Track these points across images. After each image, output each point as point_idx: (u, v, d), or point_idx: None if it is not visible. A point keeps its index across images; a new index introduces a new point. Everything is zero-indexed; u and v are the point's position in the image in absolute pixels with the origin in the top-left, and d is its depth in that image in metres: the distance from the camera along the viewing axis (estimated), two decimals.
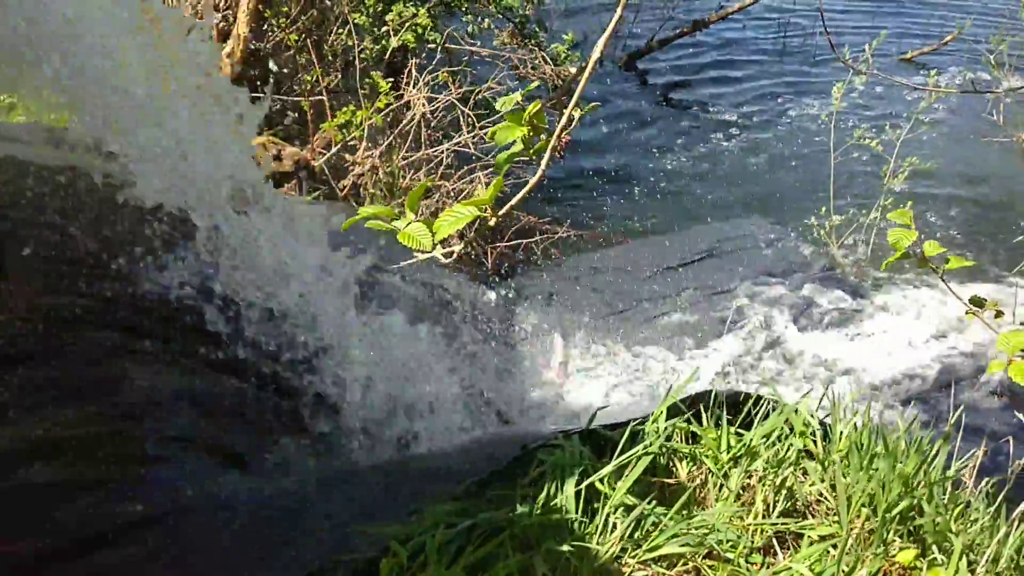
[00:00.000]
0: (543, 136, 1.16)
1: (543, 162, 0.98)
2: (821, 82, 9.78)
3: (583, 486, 2.06)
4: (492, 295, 5.25)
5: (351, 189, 5.61)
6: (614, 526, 1.94)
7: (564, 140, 1.17)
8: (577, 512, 1.98)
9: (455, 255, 0.97)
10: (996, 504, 2.63)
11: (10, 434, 1.90)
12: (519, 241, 5.96)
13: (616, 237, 6.57)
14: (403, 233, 0.96)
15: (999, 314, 1.23)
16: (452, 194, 5.88)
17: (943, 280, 1.31)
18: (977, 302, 1.23)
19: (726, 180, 7.82)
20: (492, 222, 0.99)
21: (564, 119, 1.14)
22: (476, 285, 5.37)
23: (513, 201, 1.00)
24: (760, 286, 5.53)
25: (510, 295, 5.45)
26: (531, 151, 1.14)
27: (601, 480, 2.10)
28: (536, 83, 6.54)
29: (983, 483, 2.78)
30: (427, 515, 1.84)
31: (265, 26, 5.65)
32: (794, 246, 6.16)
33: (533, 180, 0.99)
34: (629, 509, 2.03)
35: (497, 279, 5.66)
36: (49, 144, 3.17)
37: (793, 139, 8.67)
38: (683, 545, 1.95)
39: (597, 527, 1.95)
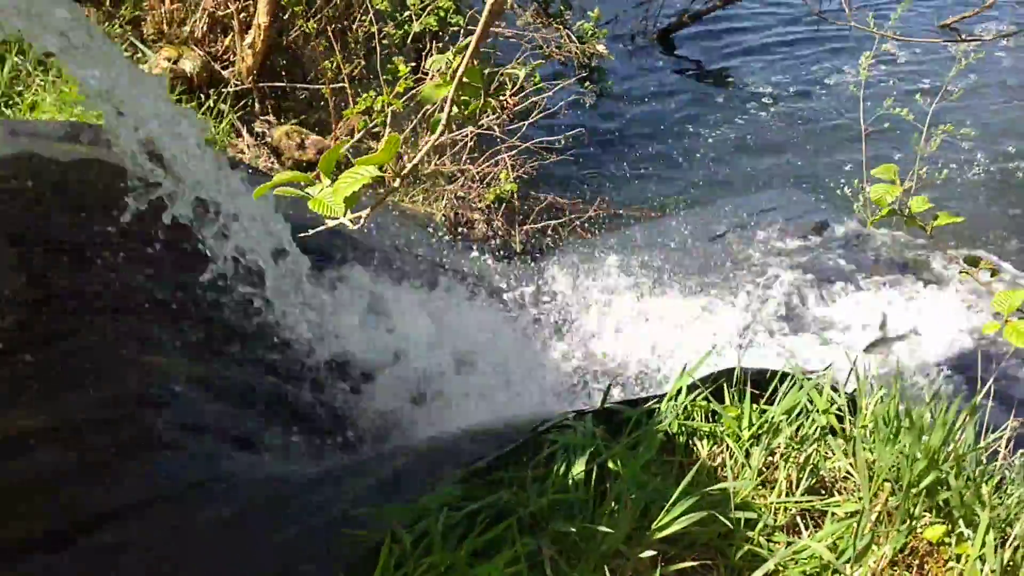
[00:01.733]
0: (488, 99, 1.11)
1: (443, 118, 0.94)
2: (859, 50, 9.54)
3: (593, 466, 2.02)
4: (519, 273, 5.22)
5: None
6: (625, 506, 1.90)
7: (512, 103, 1.13)
8: (587, 493, 1.94)
9: (364, 220, 0.93)
10: None
11: (18, 417, 1.93)
12: (547, 222, 5.91)
13: (649, 213, 6.51)
14: (314, 200, 0.93)
15: (994, 273, 1.16)
16: (477, 177, 5.85)
17: (931, 236, 1.24)
18: (972, 261, 1.17)
19: (760, 151, 7.70)
20: (396, 183, 0.95)
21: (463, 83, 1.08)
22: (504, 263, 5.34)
23: (415, 159, 0.96)
24: (793, 257, 5.43)
25: (539, 272, 5.41)
26: (466, 112, 1.10)
27: (613, 460, 2.06)
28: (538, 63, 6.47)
29: (1018, 454, 2.69)
30: (432, 499, 1.81)
31: (287, 15, 5.65)
32: (827, 217, 6.03)
33: (433, 138, 0.94)
34: (643, 489, 1.99)
35: (526, 258, 5.62)
36: (69, 140, 3.19)
37: (829, 109, 8.49)
38: (696, 524, 1.90)
39: (608, 509, 1.91)
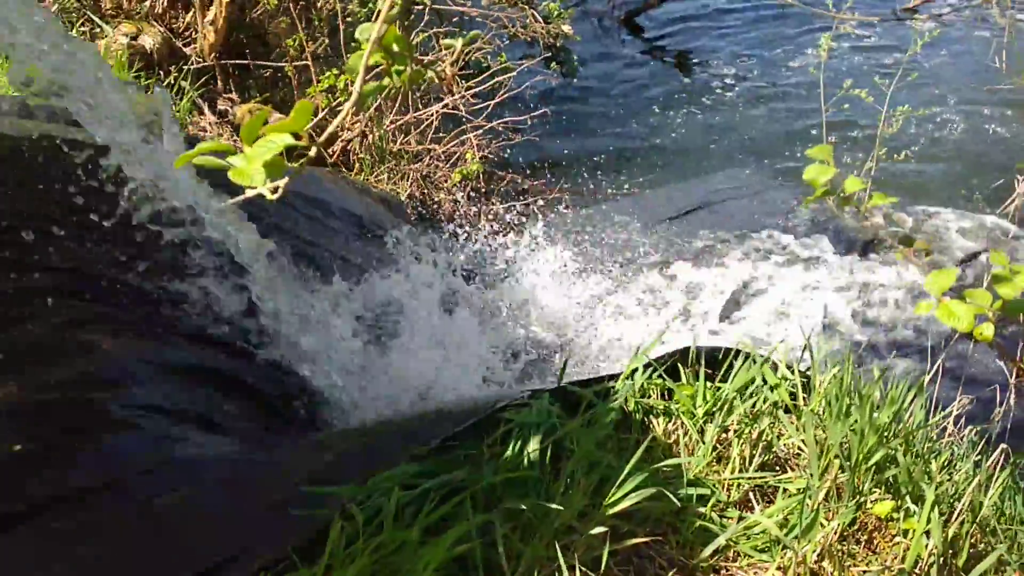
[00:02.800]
0: (415, 66, 1.10)
1: (355, 88, 0.93)
2: (826, 29, 9.59)
3: (548, 444, 2.04)
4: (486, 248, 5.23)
5: (340, 155, 5.56)
6: (578, 483, 1.92)
7: (451, 72, 1.12)
8: (542, 471, 1.96)
9: (280, 191, 0.92)
10: (978, 452, 2.60)
11: None
12: (512, 203, 5.91)
13: (612, 194, 6.54)
14: (233, 170, 0.91)
15: (928, 253, 1.18)
16: (443, 157, 5.83)
17: (866, 217, 1.26)
18: (906, 241, 1.18)
19: (724, 132, 7.75)
20: (312, 151, 0.94)
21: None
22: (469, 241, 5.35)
23: (331, 127, 0.95)
24: (750, 238, 5.48)
25: (504, 251, 5.42)
26: (400, 79, 1.09)
27: (568, 438, 2.07)
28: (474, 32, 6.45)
29: (967, 431, 2.75)
30: (386, 477, 1.82)
31: None
32: (786, 197, 6.09)
33: (348, 104, 0.93)
34: (597, 466, 2.01)
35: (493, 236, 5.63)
36: (24, 116, 3.12)
37: (793, 90, 8.55)
38: (648, 500, 1.92)
39: (561, 486, 1.93)
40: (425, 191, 5.74)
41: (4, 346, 2.10)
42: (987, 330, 1.11)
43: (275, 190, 0.91)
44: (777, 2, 10.77)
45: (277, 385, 2.69)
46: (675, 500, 1.94)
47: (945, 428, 2.82)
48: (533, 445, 1.99)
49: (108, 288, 2.47)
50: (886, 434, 2.21)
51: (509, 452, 1.99)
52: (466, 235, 5.37)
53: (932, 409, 2.67)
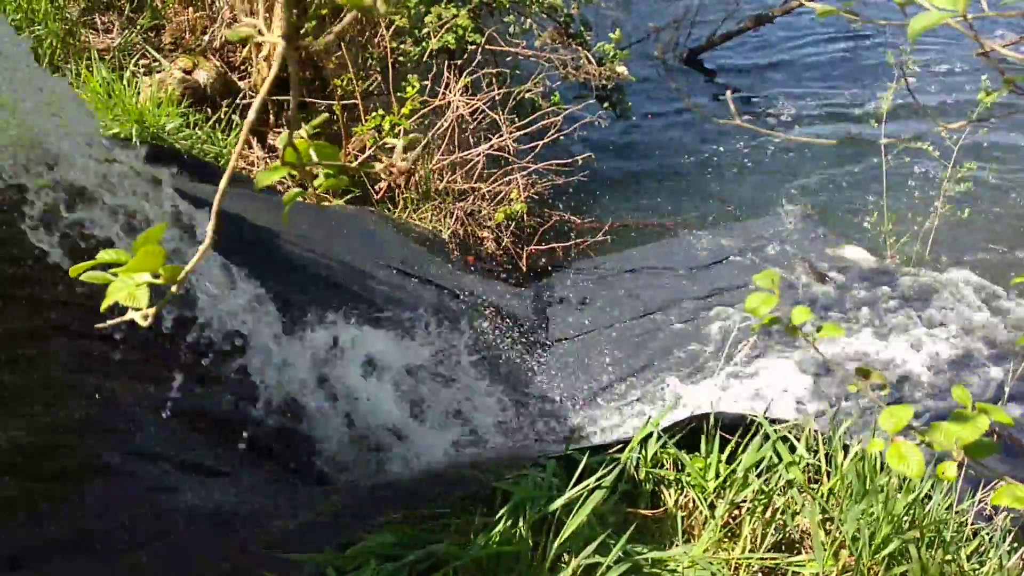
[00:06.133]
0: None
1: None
2: (890, 77, 9.40)
3: (545, 513, 1.98)
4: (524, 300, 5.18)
5: (386, 192, 5.60)
6: (567, 564, 1.85)
7: (401, 167, 1.08)
8: (532, 546, 1.90)
9: (151, 319, 0.88)
10: (1011, 539, 2.46)
11: None
12: (553, 245, 5.88)
13: (654, 228, 6.51)
14: (112, 287, 0.87)
15: (883, 387, 1.10)
16: (489, 196, 5.83)
17: (815, 348, 1.18)
18: (863, 372, 1.11)
19: (777, 175, 7.61)
20: (174, 289, 0.88)
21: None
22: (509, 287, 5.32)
23: (187, 268, 0.89)
24: (794, 288, 5.34)
25: (543, 298, 5.38)
26: (318, 186, 1.05)
27: (564, 510, 2.01)
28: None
29: (1000, 516, 2.60)
30: (370, 543, 1.78)
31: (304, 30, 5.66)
32: (836, 246, 5.94)
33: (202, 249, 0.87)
34: (589, 543, 1.95)
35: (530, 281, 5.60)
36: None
37: (854, 137, 8.36)
38: None
39: (549, 564, 1.87)
40: (468, 228, 5.74)
41: (14, 387, 2.12)
42: (949, 470, 1.02)
43: (146, 317, 0.88)
44: (847, 18, 10.60)
45: (279, 433, 2.68)
46: None
47: (984, 510, 2.68)
48: (527, 518, 1.93)
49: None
50: (903, 523, 2.10)
51: (500, 525, 1.94)
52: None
53: (963, 493, 2.54)
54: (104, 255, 0.93)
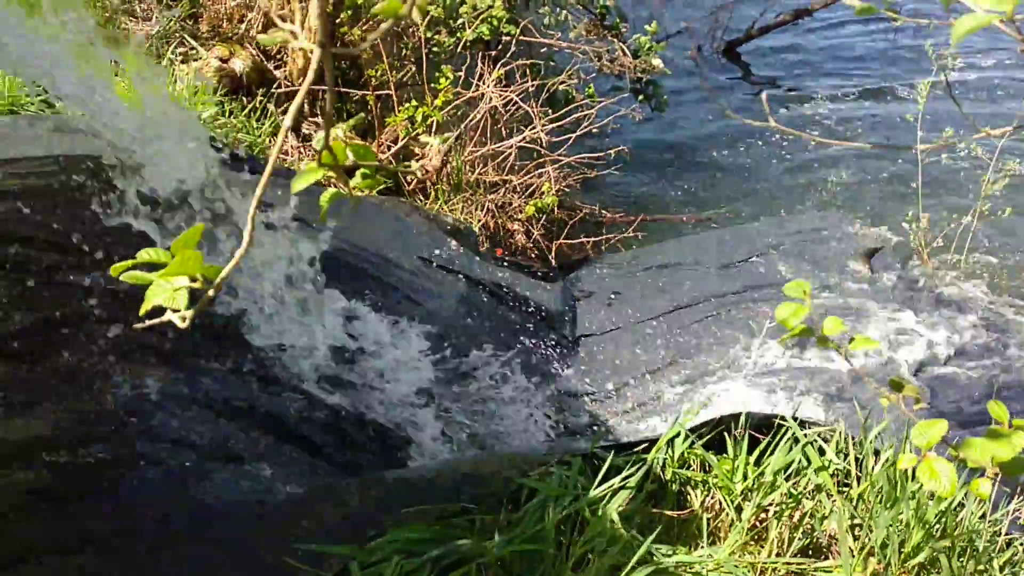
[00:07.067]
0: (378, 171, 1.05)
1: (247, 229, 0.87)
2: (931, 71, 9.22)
3: (567, 514, 1.98)
4: (553, 293, 5.16)
5: (418, 183, 5.60)
6: (590, 564, 1.85)
7: (434, 166, 1.07)
8: (556, 545, 1.90)
9: (188, 320, 0.88)
10: None
11: None
12: (583, 239, 5.86)
13: (686, 222, 6.47)
14: (151, 289, 0.86)
15: (917, 401, 1.08)
16: (520, 188, 5.81)
17: (847, 360, 1.15)
18: (896, 384, 1.08)
19: (811, 171, 7.51)
20: (212, 292, 0.89)
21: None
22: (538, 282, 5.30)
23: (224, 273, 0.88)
24: (825, 289, 5.27)
25: (572, 292, 5.35)
26: (358, 186, 1.04)
27: (589, 509, 2.01)
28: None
29: None
30: (393, 537, 1.79)
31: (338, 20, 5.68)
32: (871, 244, 5.84)
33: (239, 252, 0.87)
34: (615, 544, 1.94)
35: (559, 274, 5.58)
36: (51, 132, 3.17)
37: (890, 134, 8.23)
38: None
39: (574, 562, 1.86)
40: (499, 220, 5.74)
41: (44, 374, 2.15)
42: (983, 487, 1.00)
43: (184, 319, 0.89)
44: (887, 15, 10.43)
45: (313, 423, 2.69)
46: None
47: (1019, 520, 2.63)
48: (551, 517, 1.93)
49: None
50: (934, 531, 2.06)
51: (526, 522, 1.94)
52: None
53: (998, 500, 2.50)
54: (144, 254, 0.93)
